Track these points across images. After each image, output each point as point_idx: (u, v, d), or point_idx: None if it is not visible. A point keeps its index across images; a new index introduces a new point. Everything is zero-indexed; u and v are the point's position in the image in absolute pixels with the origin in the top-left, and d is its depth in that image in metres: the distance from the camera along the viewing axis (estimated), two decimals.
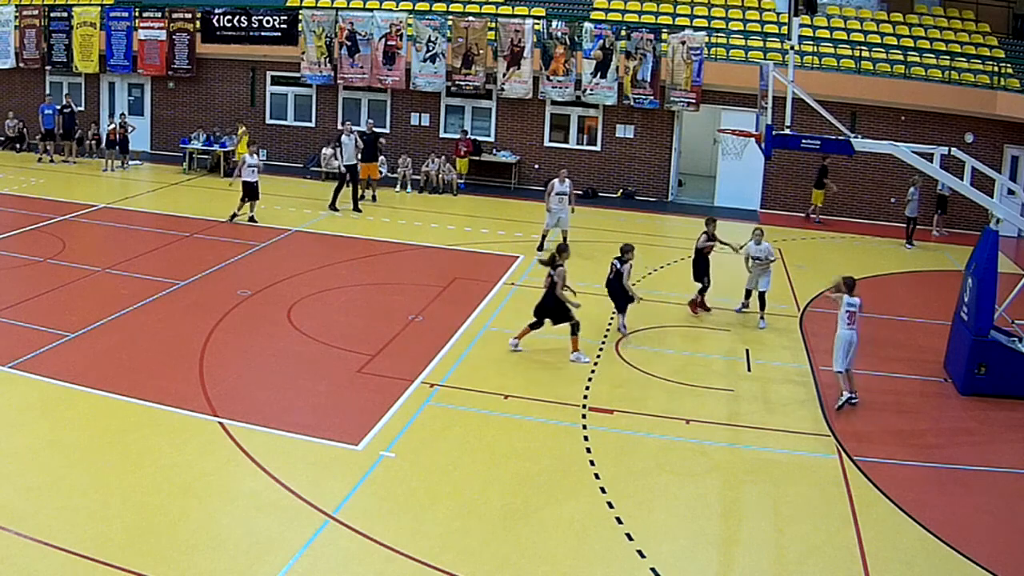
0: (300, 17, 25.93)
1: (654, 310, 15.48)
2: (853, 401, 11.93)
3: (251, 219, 20.15)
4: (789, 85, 13.85)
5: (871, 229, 23.14)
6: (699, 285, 15.57)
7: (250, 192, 19.97)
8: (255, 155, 20.29)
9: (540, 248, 18.80)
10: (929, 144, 15.69)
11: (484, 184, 25.56)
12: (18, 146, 27.75)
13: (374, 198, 23.12)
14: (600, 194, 25.09)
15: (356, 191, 22.05)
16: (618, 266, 14.17)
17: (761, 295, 15.32)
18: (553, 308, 13.24)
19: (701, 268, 15.52)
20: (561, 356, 13.31)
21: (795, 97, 13.98)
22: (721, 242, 15.60)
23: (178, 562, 7.94)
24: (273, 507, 8.92)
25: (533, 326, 13.38)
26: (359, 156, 22.24)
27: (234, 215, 20.07)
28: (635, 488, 9.74)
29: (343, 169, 22.14)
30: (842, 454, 10.72)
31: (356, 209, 21.82)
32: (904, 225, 21.78)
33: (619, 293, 14.32)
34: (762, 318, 15.31)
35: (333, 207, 21.75)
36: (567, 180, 18.67)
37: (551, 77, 24.56)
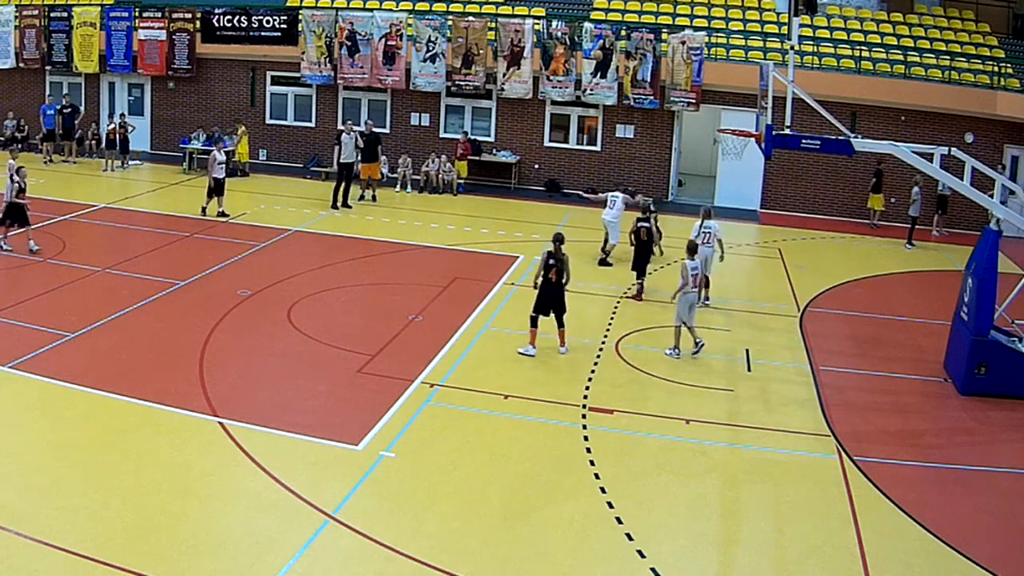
0: (300, 17, 25.92)
1: (654, 310, 15.48)
2: (698, 349, 13.58)
3: (221, 214, 20.36)
4: (789, 85, 13.84)
5: (871, 229, 23.14)
6: (644, 273, 16.31)
7: (218, 188, 20.25)
8: (223, 151, 20.71)
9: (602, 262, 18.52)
10: (929, 144, 15.68)
11: (484, 184, 25.55)
12: (18, 146, 27.67)
13: (374, 198, 23.13)
14: (600, 194, 25.04)
15: (348, 189, 22.15)
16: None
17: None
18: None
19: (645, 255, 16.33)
20: (560, 356, 13.31)
21: (795, 97, 13.96)
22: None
23: (178, 562, 7.94)
24: (273, 507, 8.92)
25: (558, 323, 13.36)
26: (358, 156, 22.35)
27: (223, 213, 20.32)
28: (635, 488, 9.74)
29: (336, 167, 22.34)
30: (842, 454, 10.72)
31: (345, 205, 22.05)
32: (907, 225, 21.79)
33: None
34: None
35: (334, 206, 21.89)
36: (617, 198, 18.79)
37: (551, 77, 24.55)
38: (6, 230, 16.82)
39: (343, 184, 22.13)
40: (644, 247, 16.26)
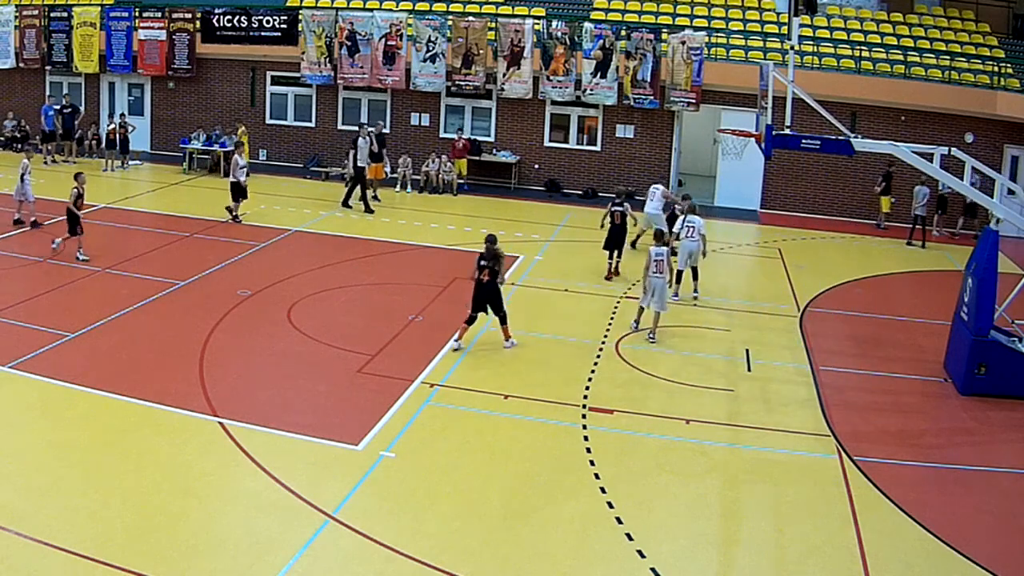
0: (300, 17, 25.93)
1: None
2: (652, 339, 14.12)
3: (230, 210, 20.27)
4: (789, 85, 13.84)
5: (871, 229, 23.14)
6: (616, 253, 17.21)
7: (242, 192, 20.15)
8: (243, 156, 20.60)
9: (632, 246, 18.83)
10: (929, 144, 15.69)
11: (484, 184, 25.56)
12: (18, 146, 27.72)
13: (376, 197, 23.12)
14: (600, 194, 25.08)
15: (365, 193, 22.12)
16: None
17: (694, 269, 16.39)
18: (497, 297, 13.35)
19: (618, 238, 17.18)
20: (560, 356, 13.32)
21: (795, 97, 13.96)
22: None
23: (178, 562, 7.94)
24: (273, 507, 8.92)
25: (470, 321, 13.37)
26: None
27: (236, 217, 20.17)
28: (635, 488, 9.74)
29: (353, 171, 22.27)
30: (842, 454, 10.72)
31: (346, 205, 22.02)
32: (909, 225, 21.79)
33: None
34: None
35: (368, 210, 21.86)
36: (657, 191, 19.10)
37: (551, 77, 24.56)
38: (76, 239, 16.62)
39: (359, 187, 22.06)
40: (617, 230, 17.01)
